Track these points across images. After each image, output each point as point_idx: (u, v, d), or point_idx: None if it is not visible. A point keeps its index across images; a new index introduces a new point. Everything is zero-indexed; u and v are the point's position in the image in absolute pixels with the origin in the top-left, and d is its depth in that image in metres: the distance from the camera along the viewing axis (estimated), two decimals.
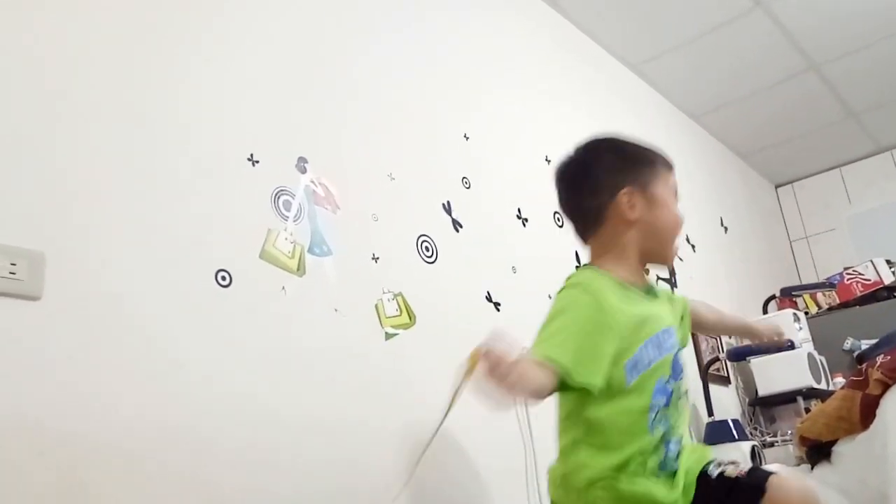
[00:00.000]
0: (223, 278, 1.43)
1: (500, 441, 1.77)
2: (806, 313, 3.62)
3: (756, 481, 1.26)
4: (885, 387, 1.95)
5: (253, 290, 1.48)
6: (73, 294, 1.20)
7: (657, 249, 1.42)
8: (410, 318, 1.81)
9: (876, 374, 1.98)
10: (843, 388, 2.24)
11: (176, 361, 1.31)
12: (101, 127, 1.33)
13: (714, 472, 1.32)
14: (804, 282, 4.15)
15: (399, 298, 1.80)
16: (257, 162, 1.57)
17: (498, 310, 2.08)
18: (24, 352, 1.12)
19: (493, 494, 1.79)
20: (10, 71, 1.23)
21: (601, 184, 1.40)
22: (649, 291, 1.43)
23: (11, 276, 1.09)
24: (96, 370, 1.20)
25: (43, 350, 1.14)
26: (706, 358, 3.11)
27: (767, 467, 2.18)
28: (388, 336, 1.74)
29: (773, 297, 3.78)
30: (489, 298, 2.08)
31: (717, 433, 2.81)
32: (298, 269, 1.58)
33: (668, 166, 1.44)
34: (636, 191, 1.37)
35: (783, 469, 1.28)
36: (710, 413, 2.89)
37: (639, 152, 1.45)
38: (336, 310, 1.64)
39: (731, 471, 1.31)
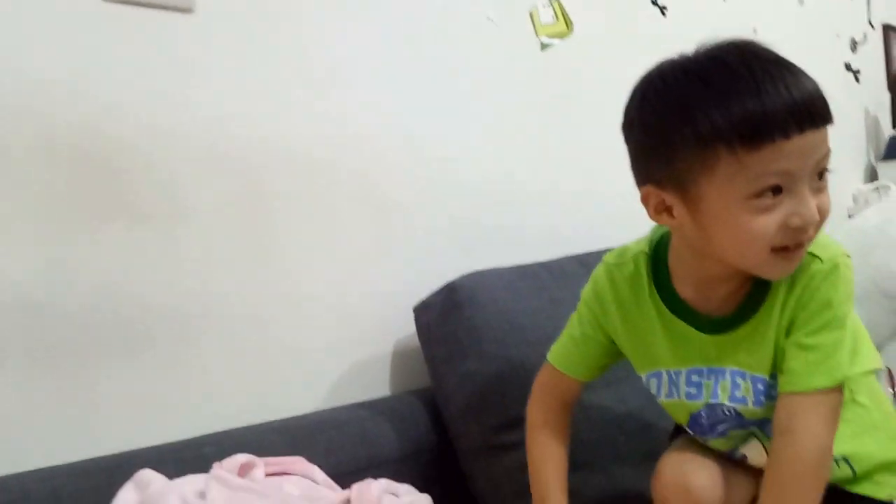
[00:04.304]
0: None
1: None
2: None
3: None
4: None
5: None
6: (228, 7, 1.17)
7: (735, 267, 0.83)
8: (567, 26, 1.67)
9: None
10: None
11: (335, 79, 1.29)
12: None
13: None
14: None
15: (555, 3, 1.65)
16: None
17: (664, 14, 1.88)
18: (180, 66, 1.12)
19: None
20: None
21: (632, 163, 0.85)
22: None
23: None
24: (257, 89, 1.20)
25: (199, 63, 1.14)
26: None
27: None
28: (544, 46, 1.63)
29: None
30: (655, 2, 1.87)
31: None
32: None
33: (757, 137, 0.72)
34: (668, 191, 0.80)
35: None
36: (895, 126, 2.63)
37: (671, 108, 0.77)
38: (489, 18, 1.53)
39: None
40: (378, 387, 1.32)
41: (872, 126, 2.69)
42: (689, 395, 0.91)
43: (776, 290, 0.84)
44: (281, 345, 1.20)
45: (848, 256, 0.85)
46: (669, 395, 0.94)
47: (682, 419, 0.96)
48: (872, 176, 2.63)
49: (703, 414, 0.91)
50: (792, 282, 0.83)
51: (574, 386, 1.02)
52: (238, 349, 1.16)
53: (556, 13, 1.65)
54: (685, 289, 0.89)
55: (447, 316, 1.24)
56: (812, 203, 0.75)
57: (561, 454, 1.01)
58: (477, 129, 1.50)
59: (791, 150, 0.72)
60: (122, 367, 1.04)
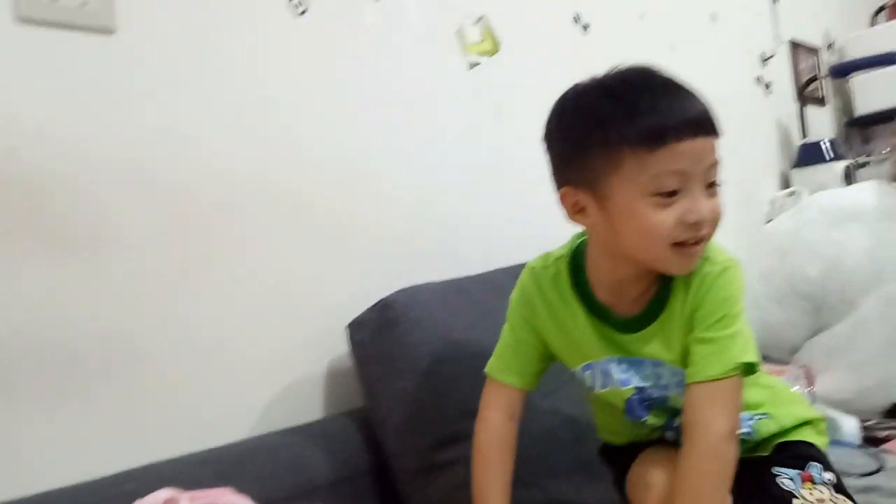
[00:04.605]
0: (297, 5, 1.33)
1: None
2: None
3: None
4: None
5: (330, 18, 1.38)
6: (150, 28, 1.14)
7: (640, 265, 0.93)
8: (494, 45, 1.70)
9: None
10: None
11: (267, 97, 1.28)
12: None
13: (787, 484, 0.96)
14: None
15: (482, 23, 1.67)
16: None
17: (586, 32, 1.94)
18: (103, 88, 1.09)
19: None
20: None
21: (552, 169, 0.96)
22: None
23: (83, 7, 1.03)
24: (184, 107, 1.18)
25: (122, 85, 1.11)
26: (804, 77, 2.91)
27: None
28: (472, 65, 1.65)
29: (882, 8, 3.43)
30: (577, 20, 1.92)
31: (810, 155, 2.73)
32: None
33: (654, 139, 0.84)
34: (581, 191, 0.90)
35: None
36: (804, 135, 2.77)
37: (584, 121, 0.89)
38: (417, 38, 1.54)
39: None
40: (311, 409, 1.30)
41: (784, 135, 2.83)
42: (621, 382, 0.98)
43: (677, 290, 0.94)
44: (209, 371, 1.17)
45: (737, 261, 0.94)
46: (604, 385, 1.00)
47: (620, 406, 1.01)
48: (786, 183, 2.76)
49: (636, 398, 0.99)
50: (688, 284, 0.93)
51: (515, 396, 1.04)
52: (163, 379, 1.12)
53: (483, 32, 1.67)
54: (601, 291, 0.98)
55: (381, 333, 1.23)
56: (705, 202, 0.86)
57: (505, 472, 1.02)
58: (409, 146, 1.51)
59: (684, 153, 0.84)
60: (42, 404, 1.00)
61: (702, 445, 0.88)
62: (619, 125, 0.85)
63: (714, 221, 0.88)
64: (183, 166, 1.16)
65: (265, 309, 1.25)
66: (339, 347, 1.30)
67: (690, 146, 0.84)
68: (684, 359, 0.93)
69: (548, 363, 1.05)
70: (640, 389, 0.98)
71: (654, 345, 0.96)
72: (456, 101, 1.61)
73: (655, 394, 0.98)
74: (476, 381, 1.23)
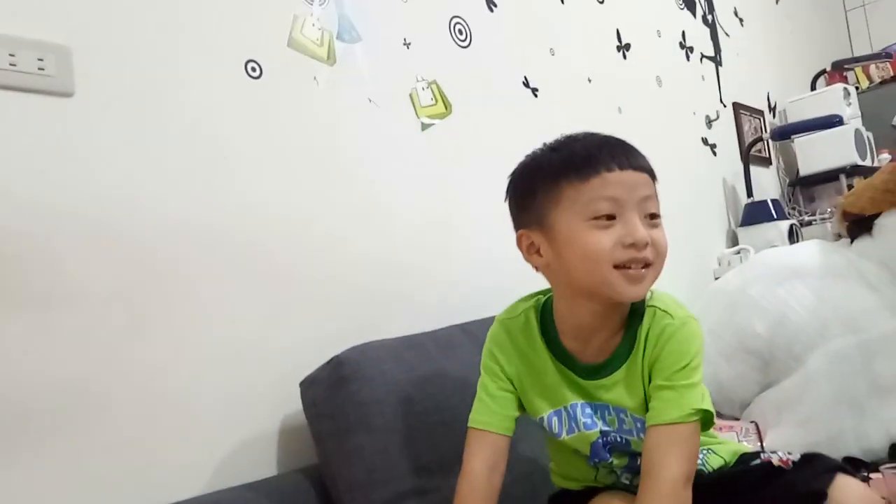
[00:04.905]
0: (253, 69, 1.38)
1: None
2: (857, 88, 3.46)
3: (812, 482, 1.00)
4: None
5: (284, 81, 1.43)
6: (108, 91, 1.17)
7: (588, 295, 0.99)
8: (446, 108, 1.76)
9: None
10: (892, 160, 2.18)
11: (221, 156, 1.31)
12: None
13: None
14: (857, 55, 3.91)
15: (434, 86, 1.74)
16: None
17: (536, 96, 2.01)
18: (61, 147, 1.11)
19: None
20: None
21: (512, 220, 1.06)
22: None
23: (41, 72, 1.06)
24: (139, 164, 1.20)
25: (79, 144, 1.14)
26: (748, 139, 3.03)
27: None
28: (425, 126, 1.70)
29: (823, 72, 3.61)
30: (527, 84, 2.00)
31: (756, 213, 2.82)
32: (329, 58, 1.52)
33: (586, 170, 0.94)
34: (534, 231, 1.00)
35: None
36: (750, 194, 2.87)
37: (533, 171, 1.00)
38: (370, 100, 1.59)
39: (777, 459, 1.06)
40: (265, 466, 1.29)
41: (731, 195, 2.93)
42: (586, 426, 1.04)
43: (640, 341, 1.00)
44: (161, 426, 1.17)
45: (695, 318, 1.00)
46: (570, 431, 1.05)
47: (585, 451, 1.06)
48: (734, 241, 2.85)
49: (600, 441, 1.04)
50: (649, 336, 0.99)
51: (497, 443, 1.05)
52: (114, 435, 1.11)
53: (434, 95, 1.74)
54: (567, 339, 1.04)
55: (334, 390, 1.24)
56: (641, 227, 0.94)
57: None
58: (364, 205, 1.54)
59: (616, 181, 0.94)
60: None
61: (659, 489, 0.92)
62: (559, 167, 0.97)
63: (658, 249, 0.96)
64: (137, 221, 1.18)
65: (218, 364, 1.25)
66: (293, 403, 1.30)
67: (620, 176, 0.94)
68: (645, 406, 0.99)
69: (521, 410, 1.09)
70: (604, 433, 1.04)
71: (617, 391, 1.02)
72: (408, 162, 1.65)
73: (619, 438, 1.04)
74: (430, 437, 1.24)
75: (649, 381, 0.99)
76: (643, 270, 0.95)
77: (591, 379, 1.03)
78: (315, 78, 1.49)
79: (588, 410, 1.04)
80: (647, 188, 0.96)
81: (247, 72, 1.37)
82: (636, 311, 1.02)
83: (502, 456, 1.05)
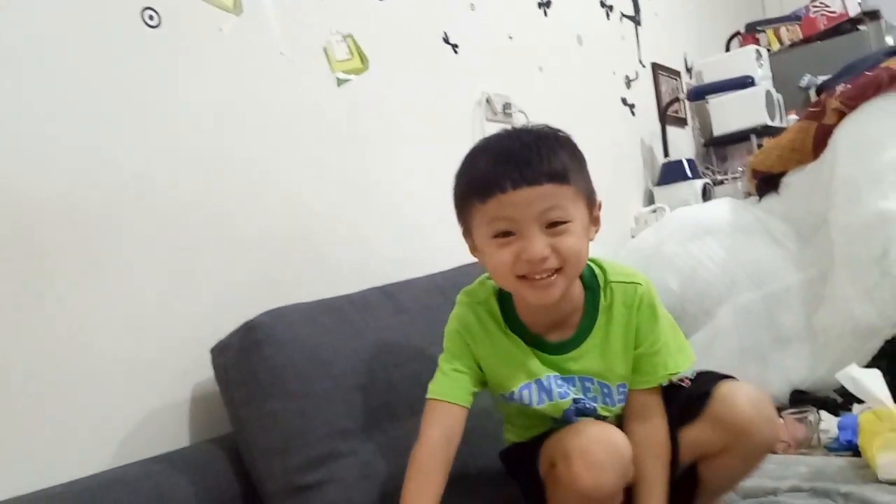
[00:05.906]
0: (150, 17, 1.29)
1: None
2: (768, 50, 3.55)
3: (703, 387, 1.14)
4: (841, 115, 1.96)
5: (186, 31, 1.34)
6: None
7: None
8: (363, 62, 1.70)
9: (834, 104, 1.98)
10: (799, 120, 2.25)
11: (113, 111, 1.22)
12: None
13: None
14: (770, 17, 4.02)
15: (349, 40, 1.67)
16: None
17: (456, 52, 1.97)
18: None
19: None
20: None
21: None
22: None
23: None
24: (29, 120, 1.11)
25: None
26: (666, 99, 3.08)
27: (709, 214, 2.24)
28: (340, 82, 1.65)
29: (736, 34, 3.69)
30: (446, 40, 1.95)
31: (672, 173, 2.88)
32: (235, 7, 1.44)
33: (484, 193, 1.00)
34: (467, 237, 1.10)
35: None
36: (667, 154, 2.93)
37: (461, 179, 1.07)
38: (281, 53, 1.52)
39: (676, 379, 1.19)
40: (175, 437, 1.24)
41: (648, 154, 2.99)
42: (560, 395, 1.12)
43: (602, 313, 1.12)
44: (62, 402, 1.10)
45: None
46: (540, 401, 1.12)
47: (558, 415, 1.14)
48: (650, 199, 2.91)
49: (572, 408, 1.13)
50: (629, 305, 1.11)
51: (455, 414, 1.09)
52: (16, 407, 1.05)
53: (350, 49, 1.68)
54: (528, 318, 1.13)
55: (246, 356, 1.20)
56: (536, 243, 0.99)
57: (437, 484, 1.04)
58: (276, 165, 1.48)
59: (509, 202, 0.99)
60: None
61: (659, 436, 1.11)
62: (466, 189, 1.05)
63: (563, 254, 1.00)
64: (26, 193, 1.10)
65: (119, 331, 1.19)
66: (203, 371, 1.25)
67: (514, 196, 0.98)
68: (614, 372, 1.12)
69: (480, 388, 1.15)
70: (576, 401, 1.13)
71: (584, 361, 1.12)
72: (324, 118, 1.59)
73: (588, 404, 1.13)
74: (347, 400, 1.22)
75: (634, 347, 1.12)
76: (551, 278, 1.01)
77: (559, 354, 1.12)
78: (220, 28, 1.41)
79: (560, 381, 1.12)
80: (546, 200, 0.99)
81: (143, 20, 1.28)
82: (591, 286, 1.12)
83: (459, 427, 1.09)
